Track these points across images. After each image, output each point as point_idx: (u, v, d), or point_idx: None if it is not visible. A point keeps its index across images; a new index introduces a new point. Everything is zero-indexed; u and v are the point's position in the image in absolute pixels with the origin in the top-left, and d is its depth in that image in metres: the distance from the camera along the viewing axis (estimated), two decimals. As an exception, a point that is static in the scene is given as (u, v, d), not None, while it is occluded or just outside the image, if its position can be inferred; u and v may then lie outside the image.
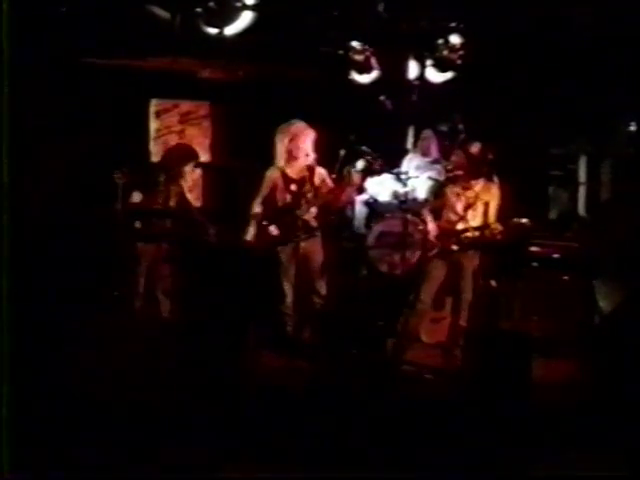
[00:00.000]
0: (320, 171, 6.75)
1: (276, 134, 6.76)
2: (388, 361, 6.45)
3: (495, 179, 6.54)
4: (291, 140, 6.69)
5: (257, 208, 6.74)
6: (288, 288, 6.72)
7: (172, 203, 7.02)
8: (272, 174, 6.77)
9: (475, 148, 6.55)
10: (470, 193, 6.47)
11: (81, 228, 7.58)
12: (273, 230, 6.73)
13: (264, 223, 6.72)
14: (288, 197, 6.71)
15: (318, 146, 6.75)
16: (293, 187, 6.71)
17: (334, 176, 6.70)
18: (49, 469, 4.38)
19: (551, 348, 6.54)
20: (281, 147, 6.73)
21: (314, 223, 6.76)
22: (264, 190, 6.76)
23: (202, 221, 7.14)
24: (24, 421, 4.30)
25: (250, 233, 6.73)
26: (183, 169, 7.05)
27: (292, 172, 6.74)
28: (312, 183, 6.68)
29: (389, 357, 6.57)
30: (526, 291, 7.13)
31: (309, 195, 6.67)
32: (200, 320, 6.63)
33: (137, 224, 7.07)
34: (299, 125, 6.73)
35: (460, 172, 6.51)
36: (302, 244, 6.65)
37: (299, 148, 6.68)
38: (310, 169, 6.69)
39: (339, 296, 7.00)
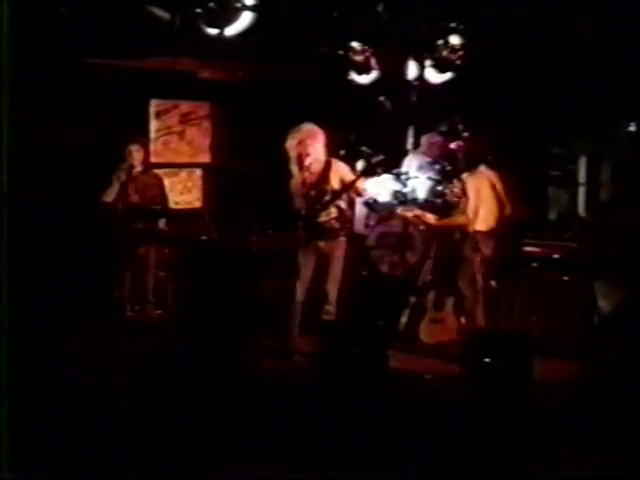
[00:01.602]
0: (338, 167, 6.65)
1: (286, 139, 6.62)
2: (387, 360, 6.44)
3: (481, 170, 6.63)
4: (299, 143, 6.55)
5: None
6: (300, 291, 6.59)
7: (151, 193, 7.14)
8: (292, 181, 6.66)
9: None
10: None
11: (79, 228, 7.59)
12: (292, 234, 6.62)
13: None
14: (308, 201, 6.57)
15: (330, 148, 6.68)
16: (312, 192, 6.58)
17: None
18: (49, 468, 4.38)
19: (551, 348, 6.53)
20: (292, 152, 6.60)
21: (336, 224, 6.63)
22: (293, 198, 6.64)
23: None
24: (23, 420, 4.31)
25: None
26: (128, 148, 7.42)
27: (308, 176, 6.59)
28: (329, 182, 6.58)
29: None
30: (526, 291, 7.13)
31: (326, 196, 6.55)
32: (200, 321, 6.63)
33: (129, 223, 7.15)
34: (308, 128, 6.60)
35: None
36: (321, 245, 6.57)
37: (308, 151, 6.53)
38: (326, 169, 6.59)
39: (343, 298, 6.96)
